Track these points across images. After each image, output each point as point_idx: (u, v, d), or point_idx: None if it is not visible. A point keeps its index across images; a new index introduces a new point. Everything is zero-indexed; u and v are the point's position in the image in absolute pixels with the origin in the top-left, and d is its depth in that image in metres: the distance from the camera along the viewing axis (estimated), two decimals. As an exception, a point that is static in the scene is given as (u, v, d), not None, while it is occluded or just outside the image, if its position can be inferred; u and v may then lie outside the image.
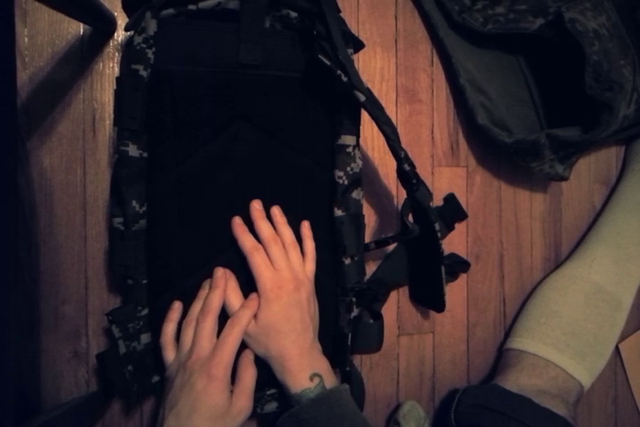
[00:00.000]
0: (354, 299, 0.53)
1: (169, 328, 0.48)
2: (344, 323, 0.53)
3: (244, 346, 0.48)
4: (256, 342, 0.47)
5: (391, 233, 0.63)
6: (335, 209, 0.52)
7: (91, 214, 0.54)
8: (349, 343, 0.53)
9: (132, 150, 0.46)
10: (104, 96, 0.54)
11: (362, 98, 0.48)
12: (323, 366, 0.48)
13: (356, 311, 0.54)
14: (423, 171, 0.64)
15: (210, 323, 0.46)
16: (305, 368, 0.46)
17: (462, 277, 0.67)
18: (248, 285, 0.48)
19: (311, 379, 0.46)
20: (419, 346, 0.65)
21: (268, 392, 0.50)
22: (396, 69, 0.64)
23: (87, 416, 0.51)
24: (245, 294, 0.48)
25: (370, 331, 0.56)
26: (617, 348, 0.73)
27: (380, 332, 0.57)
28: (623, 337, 0.73)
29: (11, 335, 0.39)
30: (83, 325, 0.53)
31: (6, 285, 0.38)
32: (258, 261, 0.47)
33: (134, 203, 0.47)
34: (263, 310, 0.47)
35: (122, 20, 0.54)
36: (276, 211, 0.50)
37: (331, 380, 0.47)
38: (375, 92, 0.51)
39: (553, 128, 0.62)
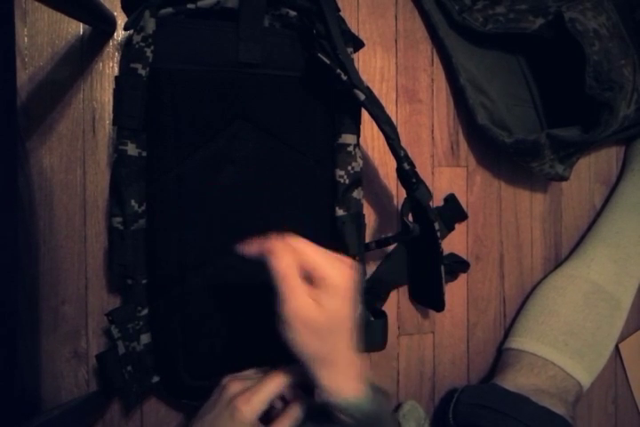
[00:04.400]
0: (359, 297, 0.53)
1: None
2: None
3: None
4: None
5: (391, 233, 0.63)
6: (337, 208, 0.52)
7: (90, 214, 0.54)
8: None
9: (131, 149, 0.46)
10: (104, 96, 0.54)
11: (361, 96, 0.48)
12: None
13: (360, 309, 0.53)
14: (423, 171, 0.64)
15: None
16: (361, 374, 0.41)
17: (462, 277, 0.67)
18: (244, 289, 0.48)
19: (367, 387, 0.40)
20: (419, 346, 0.65)
21: None
22: (396, 69, 0.64)
23: (87, 416, 0.51)
24: (240, 298, 0.48)
25: (375, 329, 0.55)
26: (617, 348, 0.73)
27: (384, 329, 0.57)
28: (623, 337, 0.73)
29: (10, 335, 0.39)
30: (82, 325, 0.53)
31: (6, 284, 0.38)
32: None
33: (133, 202, 0.47)
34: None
35: (122, 19, 0.54)
36: None
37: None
38: (375, 92, 0.51)
39: (553, 128, 0.62)
